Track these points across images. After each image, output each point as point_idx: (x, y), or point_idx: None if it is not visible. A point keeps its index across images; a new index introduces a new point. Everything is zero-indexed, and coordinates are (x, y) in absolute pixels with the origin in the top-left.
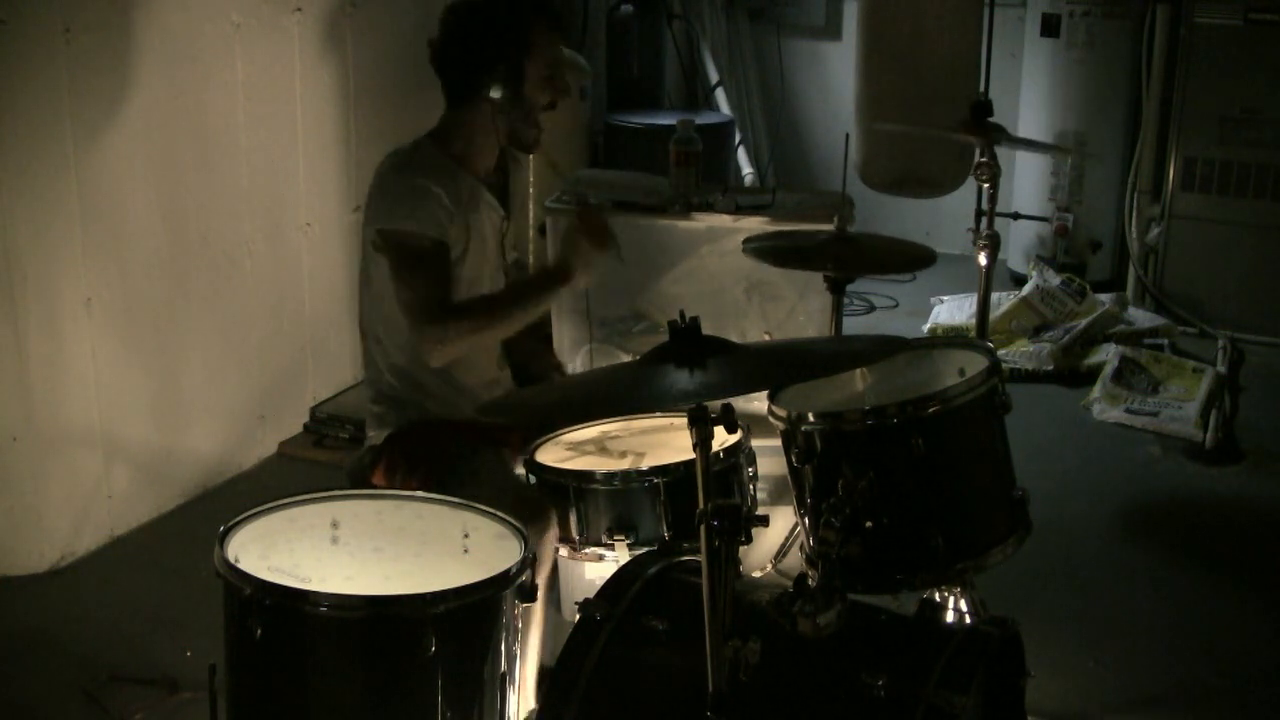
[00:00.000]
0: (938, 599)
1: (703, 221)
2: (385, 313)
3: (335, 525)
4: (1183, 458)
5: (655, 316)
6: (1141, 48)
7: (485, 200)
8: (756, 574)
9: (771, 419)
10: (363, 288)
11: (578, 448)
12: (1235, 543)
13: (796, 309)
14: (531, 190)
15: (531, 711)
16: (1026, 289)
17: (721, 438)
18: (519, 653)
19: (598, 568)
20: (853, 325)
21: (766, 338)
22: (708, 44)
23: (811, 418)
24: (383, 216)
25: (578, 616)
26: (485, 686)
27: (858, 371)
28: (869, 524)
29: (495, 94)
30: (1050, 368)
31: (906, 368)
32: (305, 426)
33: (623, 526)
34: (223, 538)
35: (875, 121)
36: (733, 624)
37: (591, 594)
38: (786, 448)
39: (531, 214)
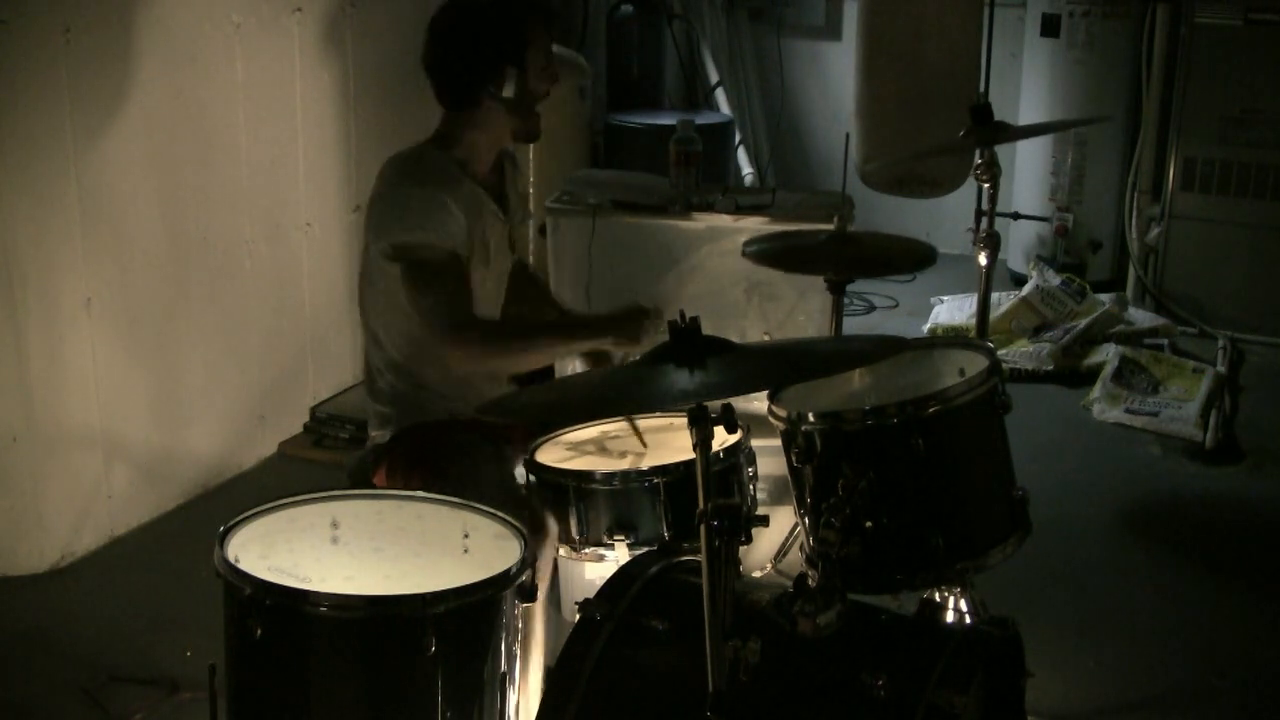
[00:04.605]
0: (938, 599)
1: (703, 221)
2: (387, 316)
3: (335, 525)
4: (1183, 458)
5: None
6: (1141, 48)
7: (487, 205)
8: (756, 574)
9: (771, 419)
10: (364, 289)
11: (578, 448)
12: (1235, 543)
13: (796, 309)
14: (532, 190)
15: None
16: (1026, 289)
17: (721, 438)
18: (519, 653)
19: (598, 568)
20: (853, 325)
21: (766, 338)
22: (708, 44)
23: (811, 418)
24: (397, 230)
25: (578, 616)
26: (485, 686)
27: (857, 371)
28: (869, 524)
29: (507, 92)
30: (1050, 368)
31: (906, 368)
32: (305, 426)
33: (623, 526)
34: (223, 538)
35: (870, 163)
36: (733, 624)
37: (591, 594)
38: (786, 448)
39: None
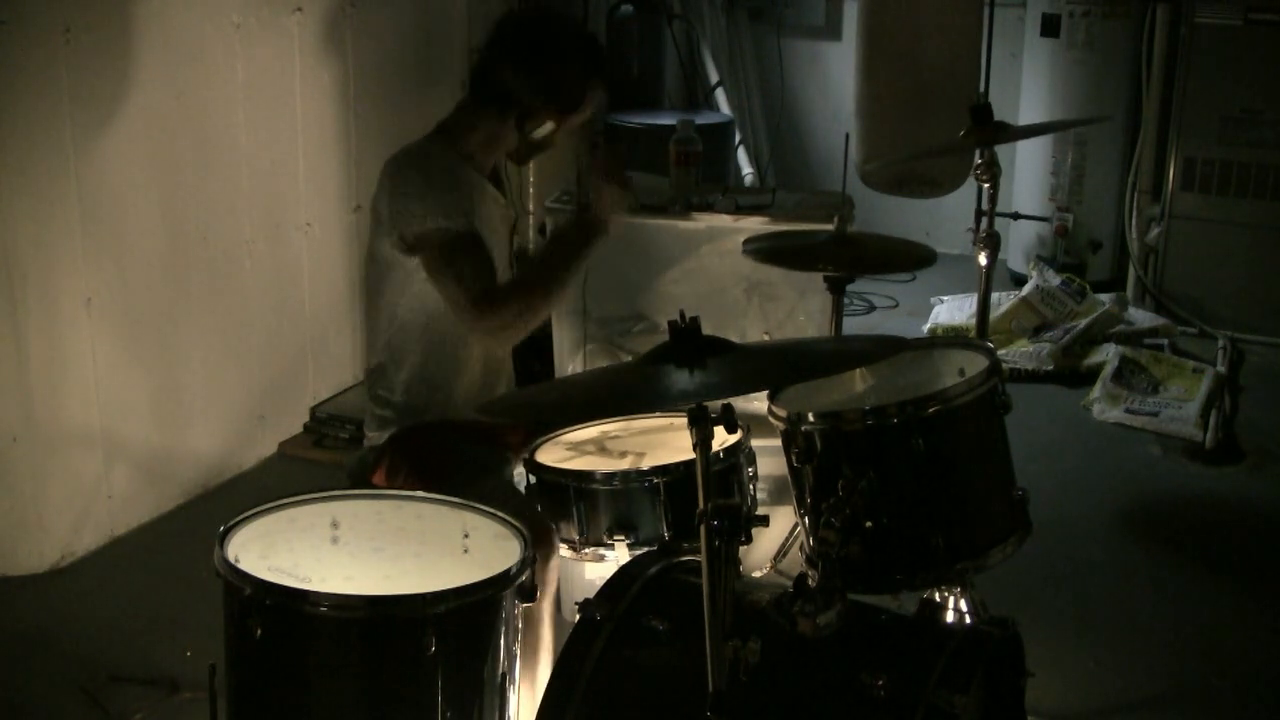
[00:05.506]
0: (938, 599)
1: (703, 221)
2: (405, 316)
3: (335, 525)
4: (1183, 458)
5: (655, 316)
6: (1141, 48)
7: (489, 194)
8: (756, 574)
9: (771, 419)
10: (374, 291)
11: (578, 448)
12: (1235, 543)
13: (796, 309)
14: (532, 190)
15: None
16: (1026, 289)
17: (721, 438)
18: (519, 653)
19: (598, 568)
20: (853, 325)
21: (766, 338)
22: (708, 44)
23: (811, 418)
24: (414, 219)
25: (578, 616)
26: (485, 686)
27: (858, 371)
28: (869, 524)
29: (531, 131)
30: (1050, 368)
31: (906, 368)
32: (305, 426)
33: (623, 526)
34: (223, 538)
35: (870, 163)
36: (733, 624)
37: (591, 594)
38: (786, 448)
39: (532, 213)
